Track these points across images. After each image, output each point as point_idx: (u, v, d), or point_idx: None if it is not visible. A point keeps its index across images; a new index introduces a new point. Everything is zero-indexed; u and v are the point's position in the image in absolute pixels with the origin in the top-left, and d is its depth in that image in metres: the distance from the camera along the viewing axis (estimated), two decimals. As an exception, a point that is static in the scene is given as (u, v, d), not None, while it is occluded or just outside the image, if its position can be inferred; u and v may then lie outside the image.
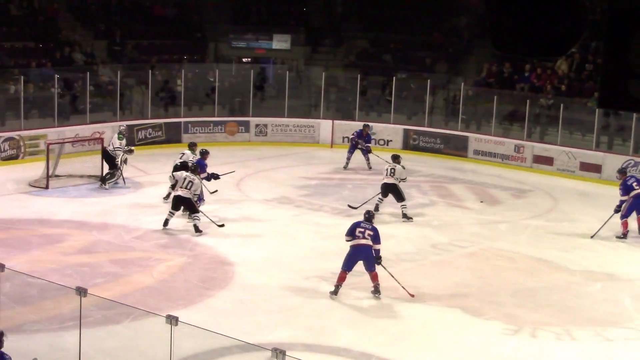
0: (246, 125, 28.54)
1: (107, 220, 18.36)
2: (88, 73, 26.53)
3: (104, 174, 21.20)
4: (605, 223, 18.42)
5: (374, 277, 14.16)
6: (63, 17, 30.66)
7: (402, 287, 14.35)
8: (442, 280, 15.51)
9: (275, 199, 20.86)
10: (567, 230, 19.27)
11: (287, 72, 30.32)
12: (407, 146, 28.07)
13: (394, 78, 29.23)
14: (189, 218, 17.81)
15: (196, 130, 27.83)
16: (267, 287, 14.68)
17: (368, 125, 25.71)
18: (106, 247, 16.55)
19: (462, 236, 18.38)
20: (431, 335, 13.10)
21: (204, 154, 19.73)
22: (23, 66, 26.81)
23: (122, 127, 22.23)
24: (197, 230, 17.46)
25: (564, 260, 17.06)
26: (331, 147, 28.12)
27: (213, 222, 17.86)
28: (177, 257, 16.11)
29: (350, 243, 14.21)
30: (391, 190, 19.42)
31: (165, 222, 17.67)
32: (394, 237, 17.82)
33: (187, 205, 17.64)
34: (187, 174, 17.67)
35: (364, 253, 14.09)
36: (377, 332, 13.08)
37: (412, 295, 14.30)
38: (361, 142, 24.85)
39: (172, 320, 9.38)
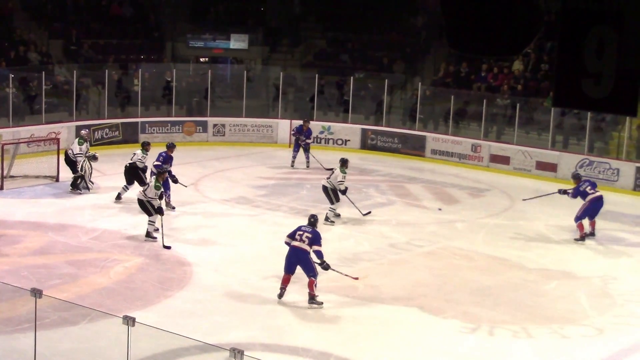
0: (204, 125, 28.45)
1: (63, 221, 18.20)
2: (44, 73, 26.31)
3: (73, 179, 20.84)
4: (541, 195, 19.84)
5: (309, 285, 13.88)
6: (18, 16, 30.33)
7: (345, 275, 14.51)
8: (401, 279, 15.57)
9: (234, 199, 20.80)
10: (523, 228, 19.44)
11: (245, 71, 30.26)
12: (365, 146, 28.15)
13: (352, 78, 29.31)
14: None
15: (153, 130, 27.66)
16: (226, 287, 14.65)
17: (308, 120, 25.80)
18: (62, 248, 16.40)
19: (420, 235, 18.48)
20: (390, 334, 13.14)
21: (171, 147, 20.18)
22: (-25, 66, 26.55)
23: (83, 132, 22.15)
24: (148, 235, 17.18)
25: (521, 258, 17.22)
26: (289, 147, 27.91)
27: (162, 241, 16.86)
28: (135, 257, 16.02)
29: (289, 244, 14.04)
30: (324, 192, 19.11)
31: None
32: (352, 237, 17.88)
33: (142, 208, 17.40)
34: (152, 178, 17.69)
35: (296, 256, 13.89)
36: (336, 332, 13.11)
37: (356, 278, 14.54)
38: (301, 138, 24.98)
39: (129, 320, 9.33)
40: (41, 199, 20.04)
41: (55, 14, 31.33)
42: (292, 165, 24.90)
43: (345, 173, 18.99)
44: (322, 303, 13.89)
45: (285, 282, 14.04)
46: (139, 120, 27.64)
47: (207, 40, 33.47)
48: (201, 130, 28.39)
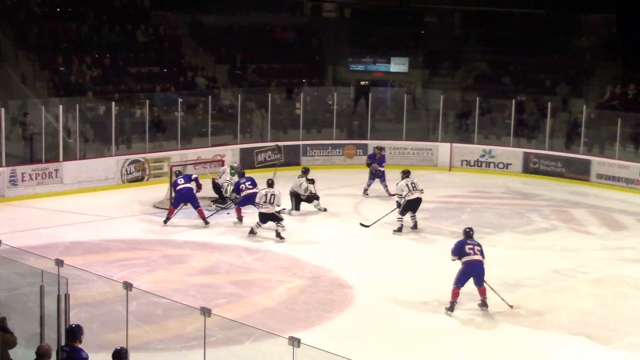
0: (364, 148, 28.57)
1: (228, 242, 18.65)
2: (210, 97, 27.04)
3: (216, 200, 21.76)
4: None
5: (483, 292, 14.47)
6: (186, 43, 31.43)
7: (502, 298, 14.53)
8: (566, 307, 15.14)
9: (394, 222, 20.75)
10: (696, 257, 18.58)
11: (405, 95, 30.22)
12: (527, 170, 27.60)
13: (513, 100, 28.84)
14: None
15: (314, 153, 28.04)
16: (387, 311, 14.63)
17: (380, 147, 24.54)
18: (227, 268, 16.81)
19: (585, 262, 17.93)
20: (555, 363, 12.81)
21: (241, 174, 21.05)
22: (148, 90, 27.54)
23: (235, 164, 22.77)
24: (279, 236, 18.64)
25: (694, 288, 16.47)
26: (449, 170, 27.92)
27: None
28: (297, 279, 16.22)
29: (464, 260, 14.42)
30: (419, 204, 19.94)
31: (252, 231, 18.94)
32: (514, 262, 17.55)
33: (272, 218, 18.72)
34: (268, 189, 18.90)
35: (477, 268, 14.40)
36: (500, 359, 12.86)
37: (511, 307, 14.48)
38: (374, 165, 23.79)
39: (295, 341, 9.39)
40: (211, 219, 20.52)
41: (221, 40, 32.26)
42: (365, 193, 23.84)
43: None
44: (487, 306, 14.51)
45: (456, 295, 14.37)
46: (300, 143, 28.08)
47: (368, 63, 33.77)
48: (361, 153, 28.50)
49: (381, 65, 33.80)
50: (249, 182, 20.34)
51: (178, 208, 20.04)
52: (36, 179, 22.42)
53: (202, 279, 16.00)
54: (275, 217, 18.82)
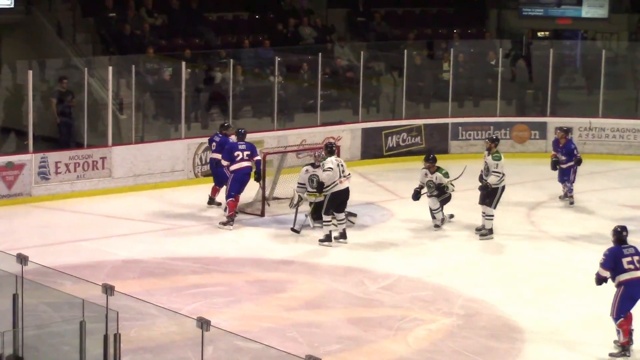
0: (542, 128, 28.31)
1: (343, 262, 18.70)
2: (320, 55, 27.01)
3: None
4: None
5: None
6: (287, -22, 31.67)
7: None
8: None
9: (584, 237, 20.53)
10: None
11: (603, 51, 29.81)
12: None
13: None
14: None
15: (469, 135, 27.92)
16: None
17: (565, 128, 23.39)
18: (342, 300, 16.84)
19: None
20: None
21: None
22: (232, 45, 27.78)
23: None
24: (343, 236, 19.58)
25: None
26: (666, 161, 27.57)
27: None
28: (443, 316, 16.12)
29: (620, 278, 14.12)
30: None
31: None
32: None
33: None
34: (337, 158, 19.75)
35: None
36: None
37: None
38: (558, 155, 22.80)
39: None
40: (314, 231, 20.54)
41: (337, -26, 32.40)
42: (566, 197, 23.13)
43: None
44: None
45: (628, 331, 14.19)
46: (449, 120, 27.98)
47: (549, 5, 33.47)
48: (537, 136, 28.29)
49: (568, 9, 33.49)
50: (248, 150, 20.87)
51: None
52: (75, 170, 22.91)
53: (306, 315, 16.05)
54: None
